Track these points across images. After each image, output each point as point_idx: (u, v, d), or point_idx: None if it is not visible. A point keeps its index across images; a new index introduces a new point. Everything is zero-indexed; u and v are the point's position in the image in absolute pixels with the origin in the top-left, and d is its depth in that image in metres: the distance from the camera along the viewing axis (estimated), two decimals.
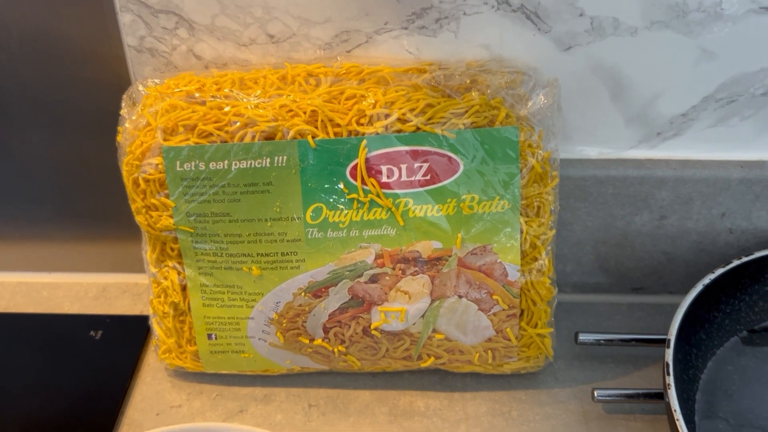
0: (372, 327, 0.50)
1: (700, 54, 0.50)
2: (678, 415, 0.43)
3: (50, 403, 0.52)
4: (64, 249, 0.62)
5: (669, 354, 0.46)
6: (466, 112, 0.45)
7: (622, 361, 0.55)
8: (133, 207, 0.48)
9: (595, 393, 0.51)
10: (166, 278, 0.50)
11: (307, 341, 0.50)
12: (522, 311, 0.50)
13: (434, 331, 0.50)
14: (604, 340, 0.55)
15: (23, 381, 0.53)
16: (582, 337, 0.55)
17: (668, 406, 0.44)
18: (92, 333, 0.56)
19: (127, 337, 0.56)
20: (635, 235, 0.57)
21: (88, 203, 0.60)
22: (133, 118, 0.46)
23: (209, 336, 0.51)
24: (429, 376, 0.54)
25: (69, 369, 0.54)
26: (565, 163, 0.53)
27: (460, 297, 0.49)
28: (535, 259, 0.50)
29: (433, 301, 0.49)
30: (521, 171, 0.47)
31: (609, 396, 0.51)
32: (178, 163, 0.45)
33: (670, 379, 0.45)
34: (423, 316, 0.49)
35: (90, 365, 0.54)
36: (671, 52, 0.50)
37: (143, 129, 0.46)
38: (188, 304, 0.50)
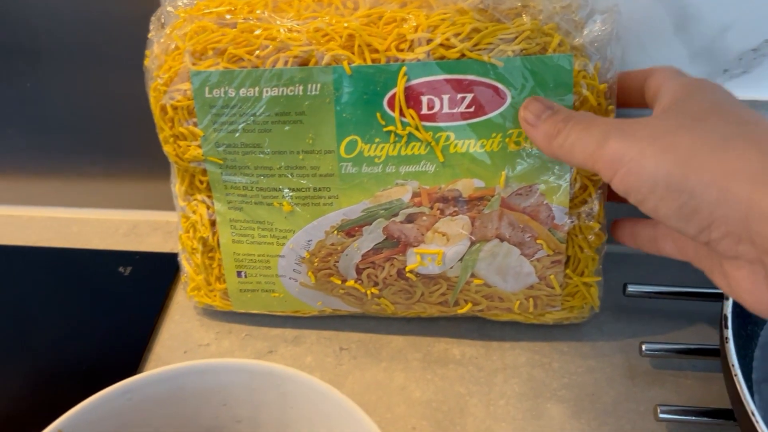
0: (407, 269, 0.47)
1: None
2: (736, 370, 0.39)
3: (77, 338, 0.51)
4: (95, 185, 0.61)
5: (728, 306, 0.43)
6: (516, 38, 0.42)
7: (673, 315, 0.52)
8: (160, 136, 0.46)
9: (643, 347, 0.48)
10: (194, 212, 0.48)
11: (339, 282, 0.48)
12: (568, 258, 0.47)
13: (473, 276, 0.47)
14: (655, 292, 0.52)
15: (51, 315, 0.53)
16: (631, 288, 0.52)
17: (725, 361, 0.41)
18: (121, 269, 0.55)
19: (156, 274, 0.55)
20: None
21: (121, 138, 0.58)
22: (161, 41, 0.44)
23: (239, 274, 0.49)
24: (466, 323, 0.52)
25: (97, 304, 0.53)
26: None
27: (502, 240, 0.46)
28: (585, 202, 0.46)
29: (472, 243, 0.46)
30: (574, 104, 0.43)
31: (658, 350, 0.48)
32: (207, 89, 0.43)
33: (728, 333, 0.41)
34: (461, 259, 0.47)
35: (118, 301, 0.53)
36: None
37: (171, 53, 0.44)
38: (217, 239, 0.48)
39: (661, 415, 0.44)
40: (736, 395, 0.39)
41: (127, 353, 0.50)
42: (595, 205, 0.46)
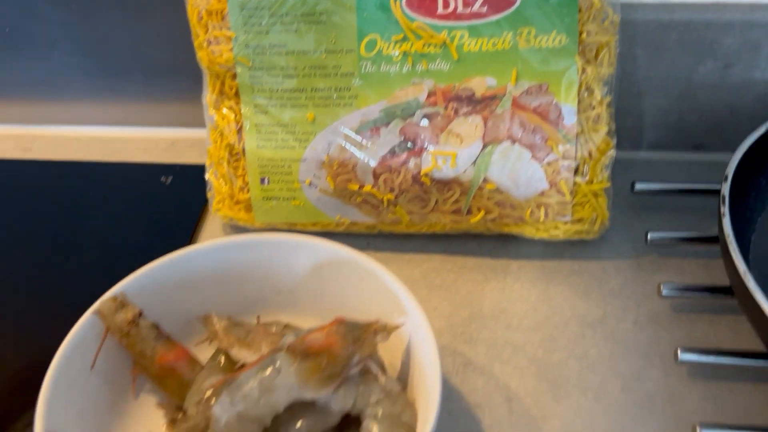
0: (422, 173, 0.49)
1: None
2: (731, 238, 0.43)
3: (125, 240, 0.55)
4: (135, 105, 0.65)
5: (726, 187, 0.46)
6: None
7: (680, 211, 0.55)
8: (195, 43, 0.50)
9: (649, 236, 0.51)
10: (223, 119, 0.51)
11: (356, 188, 0.50)
12: (577, 164, 0.49)
13: (485, 180, 0.49)
14: (662, 189, 0.55)
15: (99, 220, 0.57)
16: (639, 185, 0.55)
17: (721, 234, 0.44)
18: (163, 179, 0.60)
19: (196, 182, 0.58)
20: (698, 86, 0.56)
21: (159, 59, 0.62)
22: None
23: (262, 180, 0.52)
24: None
25: (142, 210, 0.58)
26: (626, 7, 0.51)
27: (513, 142, 0.49)
28: (592, 107, 0.49)
29: (485, 146, 0.49)
30: (580, 6, 0.45)
31: (663, 239, 0.51)
32: None
33: (725, 209, 0.44)
34: (474, 162, 0.49)
35: (161, 208, 0.58)
36: None
37: None
38: (243, 146, 0.51)
39: (664, 292, 0.48)
40: (730, 262, 0.42)
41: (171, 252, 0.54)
42: (602, 110, 0.48)
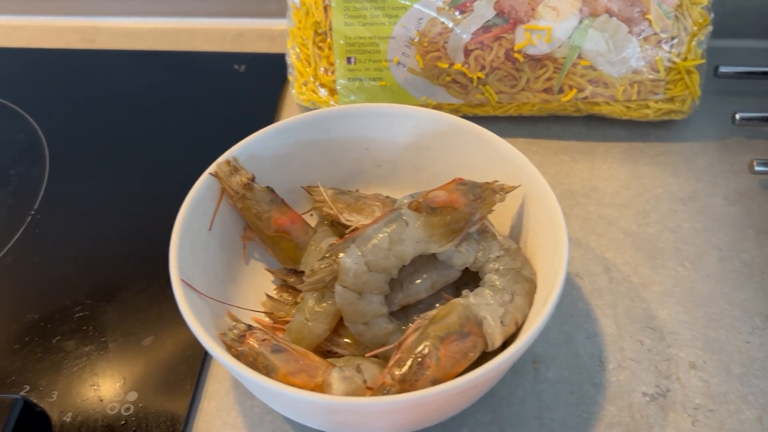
0: (515, 48, 0.49)
1: None
2: None
3: (206, 129, 0.55)
4: None
5: None
6: None
7: (764, 95, 0.54)
8: None
9: (737, 115, 0.51)
10: None
11: (446, 66, 0.50)
12: (672, 39, 0.49)
13: (579, 57, 0.49)
14: (746, 72, 0.54)
15: (179, 107, 0.57)
16: (723, 68, 0.54)
17: None
18: (236, 67, 0.59)
19: (269, 70, 0.58)
20: None
21: None
22: None
23: (348, 60, 0.51)
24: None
25: (219, 98, 0.57)
26: None
27: (611, 15, 0.48)
28: None
29: (581, 19, 0.48)
30: None
31: (752, 118, 0.51)
32: None
33: None
34: (570, 37, 0.48)
35: (238, 95, 0.57)
36: None
37: None
38: (329, 24, 0.50)
39: (757, 168, 0.48)
40: None
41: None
42: None
